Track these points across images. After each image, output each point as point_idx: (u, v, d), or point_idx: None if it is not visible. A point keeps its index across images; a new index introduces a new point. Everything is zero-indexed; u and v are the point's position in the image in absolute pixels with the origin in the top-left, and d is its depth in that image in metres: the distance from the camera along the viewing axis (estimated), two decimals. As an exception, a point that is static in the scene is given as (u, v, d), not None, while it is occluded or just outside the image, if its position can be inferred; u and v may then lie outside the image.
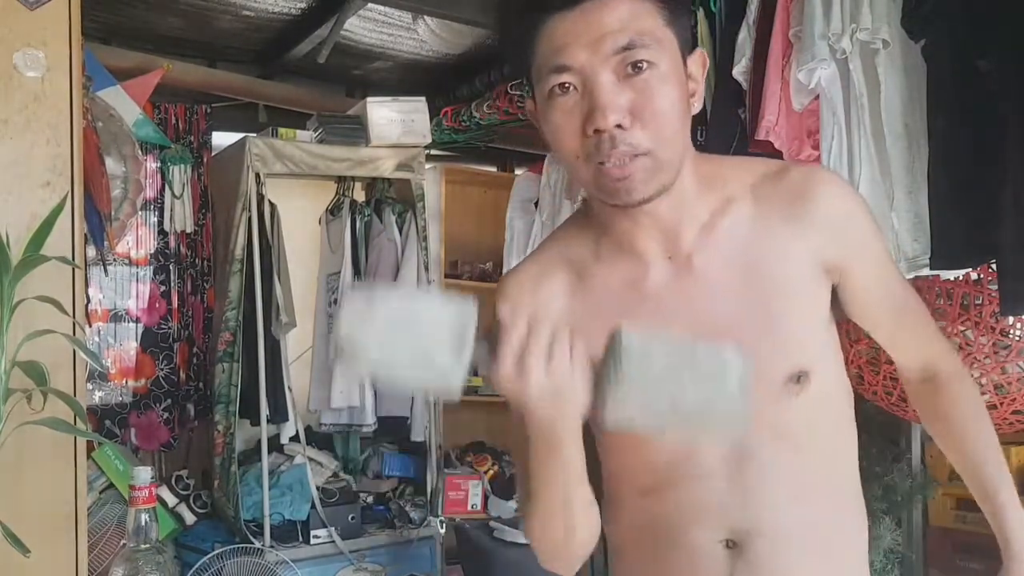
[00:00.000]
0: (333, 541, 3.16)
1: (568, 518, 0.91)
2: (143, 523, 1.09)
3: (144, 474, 1.10)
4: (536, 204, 3.53)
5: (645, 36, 0.86)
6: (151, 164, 3.35)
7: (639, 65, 0.86)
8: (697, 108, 0.94)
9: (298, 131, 3.29)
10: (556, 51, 0.87)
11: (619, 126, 0.85)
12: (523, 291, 0.99)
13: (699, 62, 0.93)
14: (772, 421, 0.92)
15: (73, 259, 1.77)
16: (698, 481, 0.95)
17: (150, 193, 3.35)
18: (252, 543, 2.99)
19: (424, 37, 3.31)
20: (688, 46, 0.92)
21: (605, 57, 0.86)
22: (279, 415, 3.22)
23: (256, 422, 3.17)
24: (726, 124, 2.04)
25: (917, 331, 1.07)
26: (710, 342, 0.81)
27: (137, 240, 3.40)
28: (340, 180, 3.56)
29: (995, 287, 1.87)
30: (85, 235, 2.05)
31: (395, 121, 3.31)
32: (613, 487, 1.04)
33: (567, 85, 0.87)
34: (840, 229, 0.94)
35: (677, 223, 0.94)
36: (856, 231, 0.96)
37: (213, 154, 3.55)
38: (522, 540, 3.50)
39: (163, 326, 3.44)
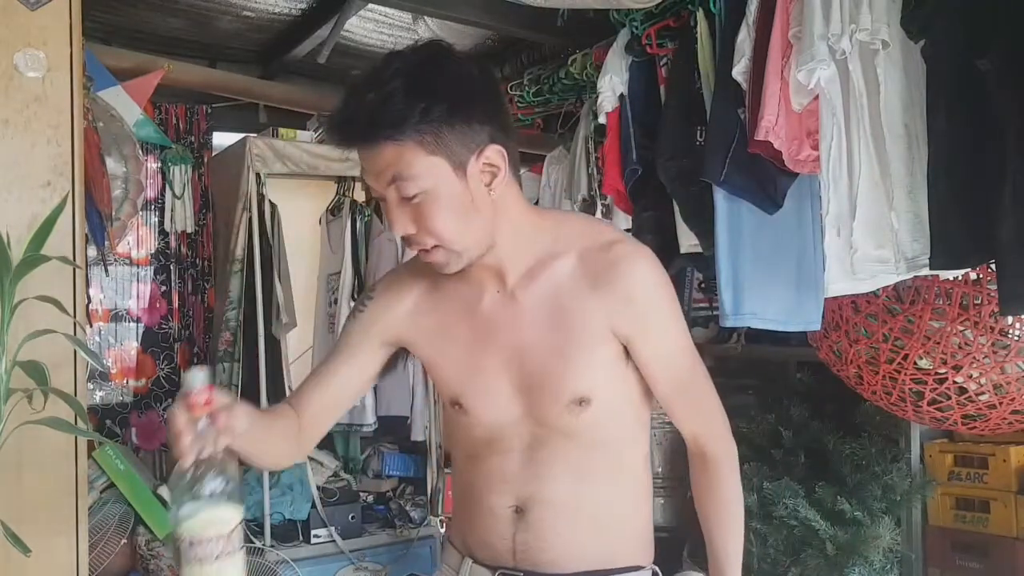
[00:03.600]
0: (333, 541, 3.17)
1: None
2: (202, 429, 1.03)
3: (200, 375, 1.02)
4: (536, 203, 3.54)
5: (406, 172, 1.07)
6: (152, 164, 3.36)
7: (408, 195, 1.08)
8: (499, 188, 1.13)
9: (298, 131, 3.29)
10: (363, 174, 1.14)
11: (409, 235, 1.11)
12: (388, 288, 1.30)
13: (494, 153, 1.11)
14: (559, 424, 1.18)
15: (74, 259, 1.77)
16: (501, 457, 1.22)
17: (151, 193, 3.36)
18: (253, 543, 2.99)
19: (424, 37, 3.32)
20: (469, 151, 1.09)
21: (384, 186, 1.10)
22: (279, 415, 3.22)
23: (256, 422, 3.17)
24: (726, 124, 2.04)
25: (691, 409, 1.26)
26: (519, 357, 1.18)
27: (138, 240, 3.41)
28: (340, 180, 3.57)
29: (995, 287, 1.88)
30: (86, 235, 2.05)
31: (395, 121, 3.31)
32: (452, 450, 1.35)
33: (378, 196, 1.14)
34: (631, 307, 1.15)
35: (502, 268, 1.19)
36: (645, 313, 1.17)
37: (213, 154, 3.56)
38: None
39: (164, 326, 3.45)
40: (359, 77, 1.11)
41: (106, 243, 2.69)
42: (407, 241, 1.14)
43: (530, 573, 1.20)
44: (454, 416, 1.27)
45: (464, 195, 1.10)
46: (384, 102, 1.05)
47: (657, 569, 1.28)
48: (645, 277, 1.17)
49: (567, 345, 1.16)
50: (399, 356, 1.33)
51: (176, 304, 3.48)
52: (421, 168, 1.07)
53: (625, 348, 1.19)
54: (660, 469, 3.09)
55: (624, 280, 1.15)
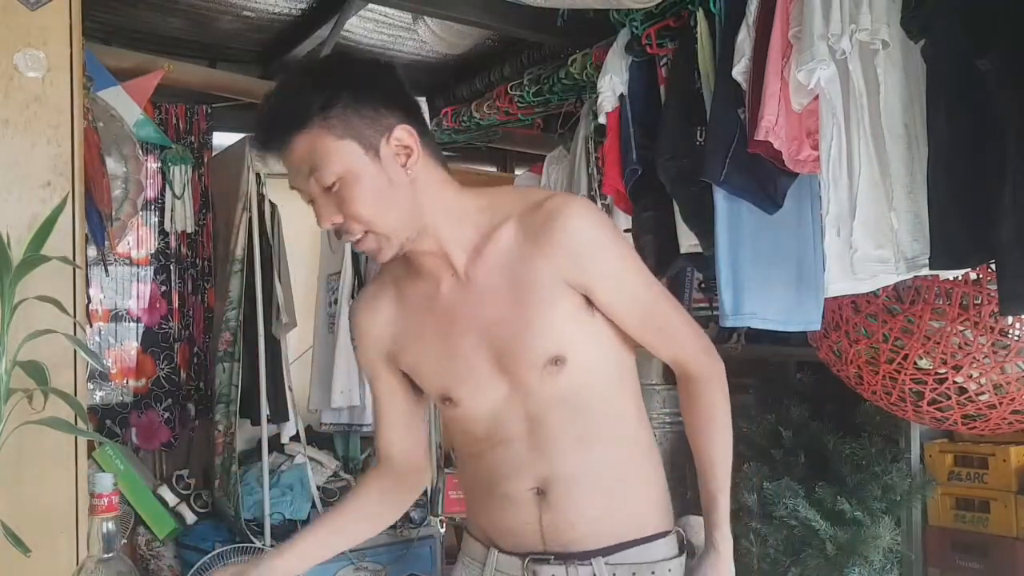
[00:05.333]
0: (333, 541, 3.16)
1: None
2: (106, 531, 1.04)
3: (106, 481, 1.04)
4: (536, 204, 3.53)
5: (320, 161, 1.11)
6: (152, 164, 3.36)
7: (326, 183, 1.12)
8: (415, 166, 1.16)
9: (298, 131, 3.29)
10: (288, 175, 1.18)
11: (336, 223, 1.15)
12: (362, 313, 1.33)
13: (403, 133, 1.15)
14: (546, 393, 1.19)
15: (74, 259, 1.77)
16: (505, 445, 1.22)
17: (151, 193, 3.35)
18: (253, 543, 2.99)
19: (424, 38, 3.31)
20: (379, 133, 1.14)
21: (305, 180, 1.14)
22: (279, 415, 3.22)
23: (256, 422, 3.17)
24: (726, 124, 2.04)
25: (663, 337, 1.26)
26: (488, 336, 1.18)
27: (138, 240, 3.41)
28: (340, 180, 3.56)
29: (994, 287, 1.88)
30: (86, 235, 2.05)
31: (395, 121, 3.31)
32: (455, 449, 1.36)
33: (307, 198, 1.17)
34: (576, 255, 1.16)
35: (446, 251, 1.20)
36: (593, 258, 1.17)
37: (213, 154, 3.56)
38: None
39: (164, 326, 3.44)
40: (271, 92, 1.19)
41: (106, 243, 2.69)
42: (338, 233, 1.17)
43: (560, 554, 1.20)
44: (449, 413, 1.28)
45: (380, 176, 1.14)
46: (289, 99, 1.14)
47: (681, 530, 1.28)
48: (581, 224, 1.17)
49: (528, 309, 1.17)
50: None
51: (176, 304, 3.48)
52: (333, 154, 1.11)
53: (587, 298, 1.19)
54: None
55: (562, 232, 1.16)
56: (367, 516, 1.38)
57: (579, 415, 1.21)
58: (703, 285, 3.02)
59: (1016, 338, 2.07)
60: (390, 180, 1.14)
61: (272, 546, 3.02)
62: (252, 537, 3.02)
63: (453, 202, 1.21)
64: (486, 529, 1.29)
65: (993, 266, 1.80)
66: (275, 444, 3.28)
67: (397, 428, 1.36)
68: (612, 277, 1.20)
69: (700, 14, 2.18)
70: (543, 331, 1.18)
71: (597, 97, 2.52)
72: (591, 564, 1.20)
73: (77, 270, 1.78)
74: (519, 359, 1.18)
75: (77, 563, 1.77)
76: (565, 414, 1.20)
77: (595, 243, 1.18)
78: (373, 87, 1.16)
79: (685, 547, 1.27)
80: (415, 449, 1.38)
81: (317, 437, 3.50)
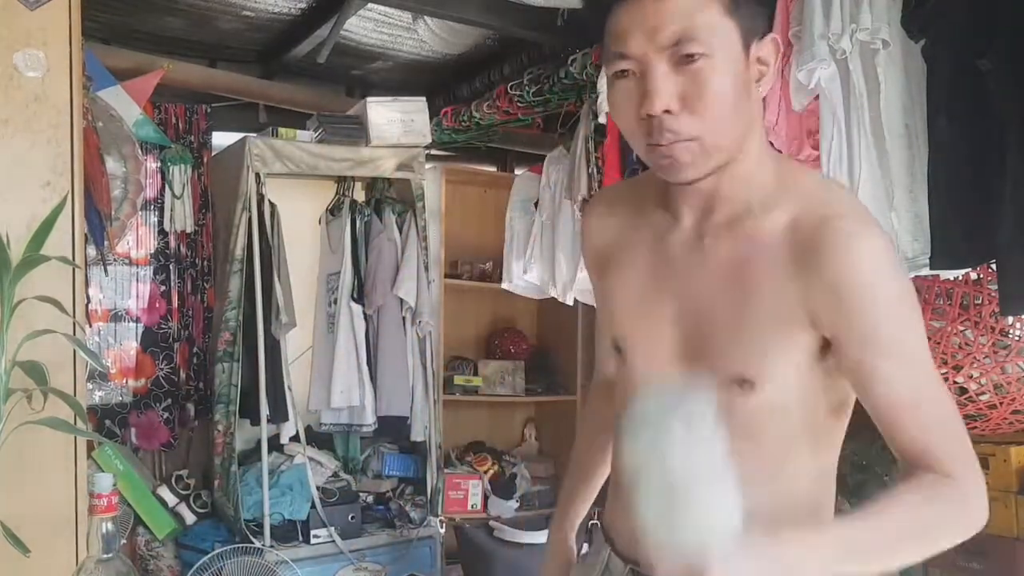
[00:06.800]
0: (333, 541, 3.16)
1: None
2: (106, 532, 1.05)
3: (105, 481, 1.03)
4: (536, 204, 3.54)
5: (699, 29, 0.91)
6: (151, 164, 3.35)
7: (691, 56, 0.91)
8: (764, 91, 0.99)
9: (298, 131, 3.29)
10: (617, 38, 0.94)
11: (668, 111, 0.92)
12: (593, 213, 1.19)
13: (771, 48, 0.97)
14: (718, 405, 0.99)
15: (73, 259, 1.77)
16: None
17: (150, 193, 3.35)
18: (252, 543, 2.99)
19: (424, 37, 3.31)
20: (756, 32, 0.95)
21: (660, 47, 0.92)
22: (279, 415, 3.22)
23: (256, 422, 3.17)
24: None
25: (918, 430, 0.95)
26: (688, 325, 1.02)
27: (137, 240, 3.40)
28: (340, 180, 3.57)
29: (995, 287, 1.88)
30: (85, 235, 2.05)
31: (395, 121, 3.31)
32: (615, 419, 1.18)
33: (626, 71, 0.95)
34: (836, 298, 0.93)
35: (713, 202, 1.01)
36: (854, 307, 0.92)
37: (213, 154, 3.56)
38: (521, 539, 3.50)
39: (163, 326, 3.44)
40: None
41: (105, 243, 2.70)
42: (657, 129, 0.93)
43: None
44: (617, 370, 1.15)
45: (743, 77, 0.94)
46: None
47: None
48: (862, 264, 0.92)
49: (745, 317, 0.97)
50: None
51: (175, 304, 3.48)
52: (714, 29, 0.91)
53: (826, 343, 0.97)
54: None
55: (834, 264, 0.92)
56: (603, 446, 1.28)
57: (735, 443, 0.94)
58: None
59: (1016, 338, 2.07)
60: (746, 88, 0.94)
61: (272, 547, 3.03)
62: (252, 537, 3.02)
63: (761, 147, 1.01)
64: (606, 522, 1.18)
65: (993, 266, 1.80)
66: (275, 444, 3.28)
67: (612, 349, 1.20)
68: (870, 337, 0.93)
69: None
70: (746, 348, 0.97)
71: (597, 97, 2.52)
72: None
73: (76, 270, 1.78)
74: (704, 360, 1.00)
75: (77, 563, 1.77)
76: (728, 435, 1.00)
77: (867, 291, 0.92)
78: None
79: None
80: None
81: (317, 437, 3.50)
